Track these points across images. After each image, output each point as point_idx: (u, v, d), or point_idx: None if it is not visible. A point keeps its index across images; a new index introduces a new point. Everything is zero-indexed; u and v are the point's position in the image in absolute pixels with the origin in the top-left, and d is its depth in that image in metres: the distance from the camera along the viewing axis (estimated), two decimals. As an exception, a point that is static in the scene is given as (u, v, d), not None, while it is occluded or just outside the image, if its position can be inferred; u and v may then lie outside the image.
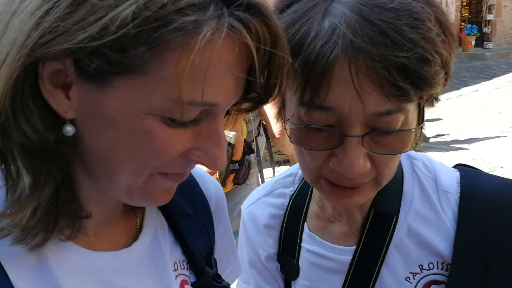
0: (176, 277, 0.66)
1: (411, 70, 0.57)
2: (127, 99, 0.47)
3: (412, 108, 0.64)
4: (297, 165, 0.92)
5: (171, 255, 0.67)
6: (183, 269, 0.68)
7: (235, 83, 0.50)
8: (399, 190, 0.79)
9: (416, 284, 0.76)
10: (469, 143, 6.50)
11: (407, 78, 0.57)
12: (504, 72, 11.86)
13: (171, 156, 0.50)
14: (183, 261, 0.69)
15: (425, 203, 0.78)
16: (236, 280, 0.96)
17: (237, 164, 2.24)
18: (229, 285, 0.72)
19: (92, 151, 0.51)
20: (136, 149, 0.50)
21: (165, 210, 0.69)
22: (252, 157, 2.40)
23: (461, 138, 6.81)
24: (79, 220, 0.55)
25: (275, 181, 0.93)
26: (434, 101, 0.69)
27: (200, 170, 0.78)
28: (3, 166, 0.50)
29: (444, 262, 0.75)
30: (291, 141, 0.69)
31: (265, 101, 0.55)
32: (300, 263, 0.85)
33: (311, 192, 0.86)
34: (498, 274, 0.71)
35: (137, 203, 0.58)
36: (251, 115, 2.29)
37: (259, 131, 2.44)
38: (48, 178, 0.49)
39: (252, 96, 0.55)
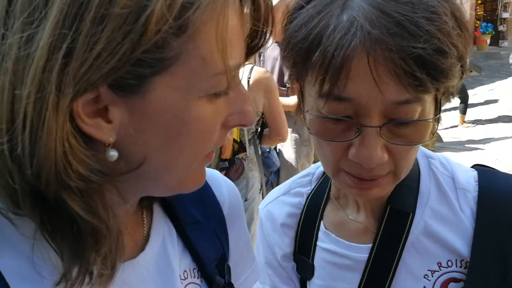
0: (186, 286, 0.64)
1: (427, 61, 0.58)
2: (171, 94, 0.45)
3: (429, 100, 0.65)
4: (314, 166, 0.93)
5: (181, 263, 0.64)
6: (194, 277, 0.66)
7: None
8: (415, 188, 0.79)
9: (435, 282, 0.76)
10: (484, 143, 6.43)
11: (424, 69, 0.58)
12: (520, 71, 11.70)
13: (216, 132, 0.51)
14: (194, 269, 0.66)
15: (442, 201, 0.78)
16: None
17: (226, 162, 2.29)
18: None
19: (138, 160, 0.48)
20: (187, 141, 0.48)
21: (173, 216, 0.66)
22: (252, 152, 2.41)
23: (476, 138, 6.73)
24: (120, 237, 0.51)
25: (292, 181, 0.94)
26: (451, 96, 0.69)
27: (213, 173, 0.77)
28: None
29: (462, 260, 0.75)
30: (310, 133, 0.70)
31: (255, 50, 0.55)
32: (315, 262, 0.86)
33: (329, 190, 0.87)
34: None
35: (185, 190, 0.56)
36: None
37: (257, 130, 2.45)
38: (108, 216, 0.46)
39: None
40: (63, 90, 0.40)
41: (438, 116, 0.68)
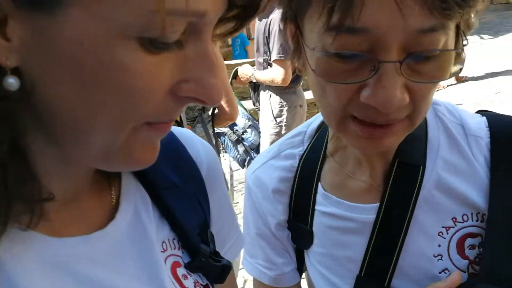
0: (165, 259, 0.55)
1: None
2: (89, 22, 0.35)
3: (452, 28, 0.55)
4: (305, 123, 0.83)
5: (158, 233, 0.55)
6: (174, 248, 0.57)
7: None
8: (423, 138, 0.70)
9: (450, 239, 0.68)
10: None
11: None
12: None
13: (157, 96, 0.39)
14: (173, 239, 0.57)
15: (454, 150, 0.69)
16: (241, 256, 0.87)
17: None
18: (230, 263, 0.62)
19: (50, 108, 0.39)
20: (110, 94, 0.37)
21: (146, 182, 0.57)
22: (200, 131, 2.29)
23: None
24: (39, 204, 0.42)
25: (281, 142, 0.83)
26: (468, 29, 0.59)
27: (187, 132, 0.67)
28: None
29: (479, 213, 0.67)
30: (316, 74, 0.58)
31: (251, 15, 0.44)
32: (314, 228, 0.76)
33: (325, 148, 0.77)
34: None
35: (117, 168, 0.45)
36: None
37: (205, 108, 2.32)
38: None
39: (235, 13, 0.43)
40: None
41: (462, 47, 0.58)
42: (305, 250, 0.80)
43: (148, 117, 0.40)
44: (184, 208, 0.59)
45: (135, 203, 0.54)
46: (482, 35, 10.60)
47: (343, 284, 0.74)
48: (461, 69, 0.57)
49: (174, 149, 0.61)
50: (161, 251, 0.55)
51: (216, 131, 2.40)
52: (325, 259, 0.75)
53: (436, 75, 0.55)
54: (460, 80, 7.79)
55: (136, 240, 0.52)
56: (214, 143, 2.39)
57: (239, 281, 3.26)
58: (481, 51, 9.18)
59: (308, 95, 2.95)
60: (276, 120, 3.13)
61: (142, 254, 0.52)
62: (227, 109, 2.30)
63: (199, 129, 2.29)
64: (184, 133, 0.66)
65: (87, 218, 0.50)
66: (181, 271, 0.56)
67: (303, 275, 0.85)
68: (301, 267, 0.83)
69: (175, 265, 0.56)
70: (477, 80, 7.90)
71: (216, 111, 2.35)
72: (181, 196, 0.59)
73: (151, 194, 0.57)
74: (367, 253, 0.71)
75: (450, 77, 0.57)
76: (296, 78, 3.02)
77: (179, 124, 2.17)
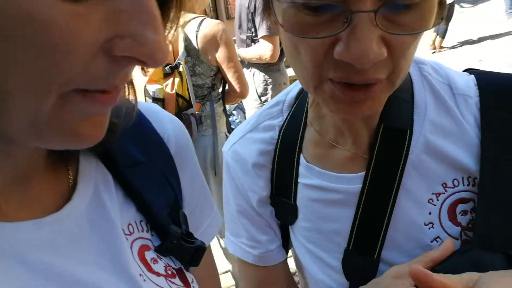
0: (132, 243, 0.50)
1: None
2: None
3: None
4: (283, 92, 0.78)
5: (123, 215, 0.50)
6: (142, 231, 0.52)
7: None
8: (409, 100, 0.66)
9: (441, 206, 0.64)
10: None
11: None
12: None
13: (82, 54, 0.32)
14: (141, 221, 0.52)
15: (442, 112, 0.65)
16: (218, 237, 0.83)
17: None
18: (204, 244, 0.57)
19: None
20: (23, 50, 0.30)
21: (107, 159, 0.51)
22: (208, 109, 2.24)
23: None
24: None
25: (259, 114, 0.78)
26: None
27: (152, 107, 0.61)
28: None
29: (470, 177, 0.63)
30: (285, 30, 0.53)
31: None
32: (298, 202, 0.72)
33: (305, 117, 0.72)
34: None
35: (54, 144, 0.38)
36: (200, 68, 2.16)
37: (215, 85, 2.26)
38: None
39: None
40: None
41: None
42: (290, 226, 0.76)
43: (75, 81, 0.33)
44: (151, 187, 0.53)
45: (95, 183, 0.49)
46: (462, 4, 10.59)
47: (330, 258, 0.70)
48: (442, 18, 0.52)
49: (138, 125, 0.56)
50: (127, 234, 0.50)
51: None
52: (311, 234, 0.72)
53: (417, 26, 0.49)
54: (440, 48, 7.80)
55: (97, 223, 0.47)
56: (225, 121, 2.36)
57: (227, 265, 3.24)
58: (461, 19, 9.17)
59: (290, 72, 2.90)
60: (260, 99, 3.07)
61: (104, 238, 0.47)
62: (237, 86, 2.25)
63: (209, 107, 2.25)
64: (149, 108, 0.60)
65: (41, 201, 0.45)
66: (150, 254, 0.51)
67: (290, 253, 0.82)
68: (286, 244, 0.79)
69: (143, 249, 0.51)
70: (458, 48, 7.91)
71: (226, 88, 2.30)
72: (148, 174, 0.54)
73: (114, 173, 0.51)
74: (355, 225, 0.67)
75: (433, 26, 0.51)
76: (280, 55, 2.96)
77: (188, 103, 2.13)
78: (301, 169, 0.71)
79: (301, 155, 0.71)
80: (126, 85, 0.48)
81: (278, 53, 2.83)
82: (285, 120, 0.74)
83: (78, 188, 0.47)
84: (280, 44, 3.10)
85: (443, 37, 8.02)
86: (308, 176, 0.70)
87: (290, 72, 3.03)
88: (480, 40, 7.92)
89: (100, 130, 0.39)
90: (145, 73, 0.45)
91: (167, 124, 0.60)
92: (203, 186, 0.66)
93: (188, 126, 2.17)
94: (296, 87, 0.76)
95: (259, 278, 0.80)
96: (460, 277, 0.49)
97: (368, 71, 0.49)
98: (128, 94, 0.49)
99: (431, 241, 0.64)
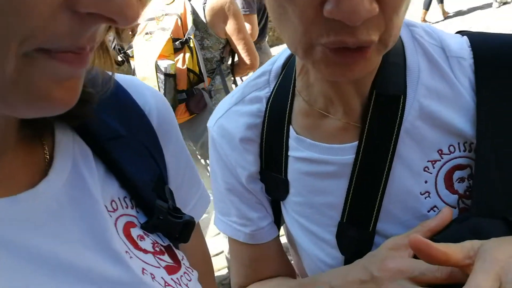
0: (116, 220, 0.47)
1: None
2: None
3: None
4: (269, 61, 0.75)
5: (105, 191, 0.47)
6: (126, 207, 0.49)
7: None
8: (402, 65, 0.63)
9: (437, 173, 0.62)
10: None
11: None
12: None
13: (42, 8, 0.29)
14: (124, 197, 0.49)
15: (436, 75, 0.62)
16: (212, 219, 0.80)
17: (184, 93, 2.13)
18: (193, 219, 0.54)
19: None
20: None
21: (85, 133, 0.48)
22: (218, 83, 2.24)
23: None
24: None
25: (245, 85, 0.74)
26: None
27: (132, 79, 0.58)
28: None
29: (466, 142, 0.61)
30: None
31: None
32: (289, 176, 0.69)
33: (293, 87, 0.68)
34: None
35: (20, 109, 0.34)
36: (208, 42, 2.14)
37: (224, 58, 2.25)
38: None
39: None
40: None
41: None
42: (281, 202, 0.73)
43: (36, 38, 0.30)
44: (134, 161, 0.50)
45: (73, 158, 0.46)
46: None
47: (324, 233, 0.68)
48: None
49: (116, 97, 0.52)
50: (110, 211, 0.47)
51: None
52: (303, 208, 0.69)
53: None
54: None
55: (77, 199, 0.44)
56: None
57: (218, 246, 3.24)
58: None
59: (274, 51, 2.86)
60: (242, 79, 3.04)
61: (86, 215, 0.44)
62: (247, 58, 2.23)
63: (218, 81, 2.25)
64: (128, 80, 0.57)
65: (15, 179, 0.41)
66: (136, 231, 0.48)
67: (281, 231, 0.79)
68: (278, 221, 0.77)
69: (128, 226, 0.48)
70: (441, 23, 7.91)
71: (235, 60, 2.30)
72: (129, 147, 0.51)
73: (93, 147, 0.48)
74: (348, 197, 0.64)
75: None
76: (261, 33, 2.91)
77: (199, 77, 2.13)
78: (291, 142, 0.68)
79: (291, 127, 0.68)
80: (101, 54, 0.45)
81: (257, 32, 2.79)
82: (272, 91, 0.71)
83: (55, 164, 0.44)
84: (259, 23, 3.05)
85: (427, 9, 8.00)
86: (299, 148, 0.67)
87: (274, 51, 2.99)
88: (464, 13, 7.94)
89: (73, 94, 0.36)
90: (119, 36, 0.42)
91: (148, 96, 0.57)
92: (189, 162, 0.63)
93: (200, 100, 2.17)
94: (282, 55, 0.73)
95: (251, 257, 0.78)
96: (461, 246, 0.47)
97: (360, 32, 0.46)
98: (104, 63, 0.46)
99: (428, 211, 0.62)
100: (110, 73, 0.49)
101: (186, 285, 0.48)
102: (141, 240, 0.48)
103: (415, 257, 0.56)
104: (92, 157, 0.48)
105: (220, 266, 2.55)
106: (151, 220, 0.50)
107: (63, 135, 0.47)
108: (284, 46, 0.60)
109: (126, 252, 0.45)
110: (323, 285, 0.64)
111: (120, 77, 0.56)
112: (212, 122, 0.75)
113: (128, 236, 0.47)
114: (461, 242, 0.48)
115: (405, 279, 0.53)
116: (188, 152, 0.63)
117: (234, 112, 0.73)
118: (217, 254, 2.56)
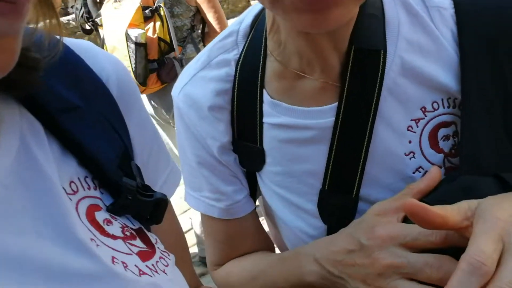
0: (77, 203, 0.41)
1: None
2: None
3: None
4: (237, 21, 0.68)
5: (62, 171, 0.41)
6: (88, 188, 0.43)
7: None
8: (380, 17, 0.58)
9: (422, 132, 0.58)
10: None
11: None
12: None
13: None
14: (85, 177, 0.43)
15: (416, 28, 0.58)
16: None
17: (155, 63, 2.14)
18: (166, 197, 0.49)
19: None
20: None
21: (33, 105, 0.41)
22: (190, 51, 2.24)
23: None
24: None
25: (210, 48, 0.68)
26: None
27: (85, 43, 0.51)
28: None
29: (450, 98, 0.58)
30: None
31: None
32: (265, 145, 0.64)
33: (265, 47, 0.63)
34: None
35: None
36: (178, 9, 2.16)
37: (195, 26, 2.26)
38: None
39: None
40: None
41: None
42: (257, 173, 0.68)
43: None
44: (94, 135, 0.44)
45: (20, 135, 0.39)
46: None
47: (305, 202, 0.64)
48: None
49: (68, 63, 0.46)
50: (70, 194, 0.40)
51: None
52: (282, 178, 0.64)
53: None
54: None
55: (29, 182, 0.37)
56: None
57: (187, 223, 3.18)
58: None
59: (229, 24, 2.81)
60: None
61: (41, 200, 0.37)
62: (217, 26, 2.23)
63: (189, 49, 2.24)
64: (80, 44, 0.50)
65: None
66: (101, 215, 0.42)
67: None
68: (254, 193, 0.72)
69: (92, 209, 0.41)
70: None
71: (206, 29, 2.31)
72: (88, 120, 0.44)
73: (44, 121, 0.41)
74: (329, 163, 0.60)
75: None
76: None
77: (170, 46, 2.14)
78: (266, 107, 0.63)
79: (264, 91, 0.63)
80: (46, 11, 0.39)
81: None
82: (242, 53, 0.65)
83: (0, 143, 0.37)
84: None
85: None
86: (274, 114, 0.62)
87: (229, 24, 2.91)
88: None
89: (9, 55, 0.30)
90: None
91: (103, 62, 0.50)
92: (155, 134, 0.57)
93: (172, 69, 2.19)
94: (250, 13, 0.67)
95: (227, 233, 0.73)
96: (458, 207, 0.44)
97: None
98: (50, 24, 0.40)
99: (413, 172, 0.59)
100: (58, 36, 0.42)
101: (164, 271, 0.43)
102: (108, 225, 0.42)
103: (404, 221, 0.53)
104: (44, 133, 0.41)
105: (189, 244, 2.51)
106: (118, 201, 0.43)
107: (7, 108, 0.39)
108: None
109: (92, 239, 0.39)
110: (307, 257, 0.60)
111: (70, 41, 0.49)
112: (177, 91, 0.69)
113: (93, 221, 0.41)
114: (457, 203, 0.44)
115: (397, 246, 0.50)
116: (153, 123, 0.57)
117: (201, 78, 0.67)
118: (185, 232, 2.51)
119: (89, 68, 0.48)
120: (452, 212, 0.43)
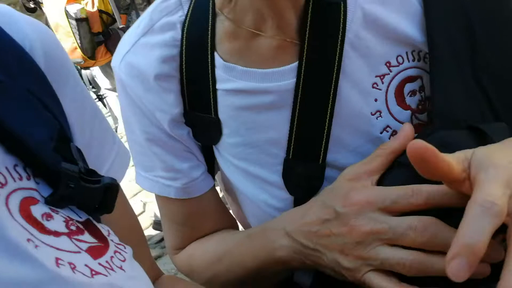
0: (7, 198, 0.33)
1: None
2: None
3: None
4: None
5: None
6: (20, 179, 0.35)
7: None
8: None
9: (387, 89, 0.55)
10: None
11: None
12: None
13: None
14: (15, 165, 0.36)
15: None
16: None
17: (100, 35, 2.18)
18: (116, 181, 0.41)
19: None
20: None
21: None
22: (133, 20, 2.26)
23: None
24: None
25: (152, 10, 0.60)
26: None
27: (3, 8, 0.43)
28: None
29: (414, 51, 0.54)
30: None
31: None
32: (221, 115, 0.59)
33: (213, 5, 0.56)
34: (487, 42, 0.52)
35: None
36: None
37: None
38: None
39: None
40: None
41: None
42: (214, 146, 0.62)
43: None
44: (21, 114, 0.36)
45: None
46: None
47: (268, 173, 0.59)
48: None
49: None
50: None
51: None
52: (241, 150, 0.59)
53: None
54: None
55: None
56: None
57: (138, 206, 3.08)
58: None
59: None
60: None
61: None
62: None
63: (135, 16, 2.25)
64: None
65: None
66: (39, 209, 0.35)
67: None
68: (212, 168, 0.66)
69: (27, 203, 0.34)
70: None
71: None
72: (11, 96, 0.36)
73: None
74: (293, 129, 0.56)
75: None
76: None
77: (112, 17, 2.16)
78: (218, 72, 0.57)
79: (216, 54, 0.57)
80: None
81: None
82: (187, 14, 0.58)
83: None
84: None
85: None
86: (229, 79, 0.56)
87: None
88: None
89: None
90: None
91: (25, 28, 0.42)
92: (96, 111, 0.49)
93: (118, 40, 2.16)
94: None
95: (186, 213, 0.67)
96: (456, 156, 0.39)
97: None
98: None
99: (381, 132, 0.56)
100: None
101: (121, 268, 0.36)
102: (48, 220, 0.35)
103: (378, 185, 0.50)
104: None
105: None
106: (58, 191, 0.36)
107: None
108: None
109: (29, 240, 0.32)
110: (276, 231, 0.56)
111: None
112: (118, 61, 0.61)
113: (29, 217, 0.33)
114: (452, 153, 0.40)
115: (375, 211, 0.46)
116: (92, 98, 0.49)
117: (143, 45, 0.59)
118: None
119: (8, 35, 0.39)
120: (453, 161, 0.38)
